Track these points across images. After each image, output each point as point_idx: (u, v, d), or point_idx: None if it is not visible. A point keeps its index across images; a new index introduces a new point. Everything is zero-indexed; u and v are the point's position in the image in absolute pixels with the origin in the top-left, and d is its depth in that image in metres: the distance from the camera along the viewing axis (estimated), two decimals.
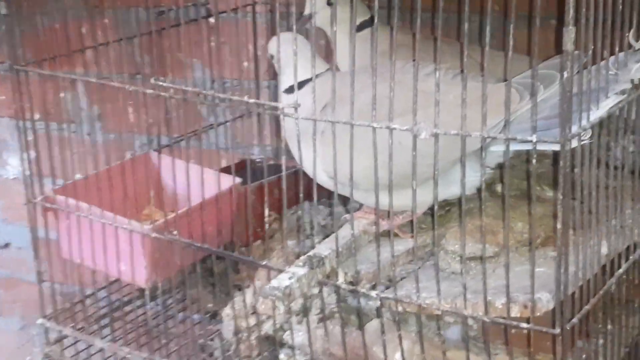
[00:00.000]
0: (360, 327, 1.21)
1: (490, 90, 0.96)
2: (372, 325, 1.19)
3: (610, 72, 1.02)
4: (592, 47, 0.97)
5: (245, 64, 1.75)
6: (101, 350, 1.41)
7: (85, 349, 1.49)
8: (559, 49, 0.91)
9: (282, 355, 1.27)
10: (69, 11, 1.53)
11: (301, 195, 1.13)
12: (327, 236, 1.43)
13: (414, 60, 1.10)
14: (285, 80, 1.23)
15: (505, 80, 1.06)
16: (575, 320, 0.99)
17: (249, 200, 1.40)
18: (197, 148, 1.53)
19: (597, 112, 0.99)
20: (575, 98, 0.94)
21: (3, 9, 1.56)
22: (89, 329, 1.43)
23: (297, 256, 1.37)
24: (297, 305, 1.21)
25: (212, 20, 1.69)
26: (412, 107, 0.99)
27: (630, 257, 1.13)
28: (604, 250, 1.08)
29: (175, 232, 1.26)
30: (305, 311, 1.19)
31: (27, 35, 1.38)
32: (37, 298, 1.43)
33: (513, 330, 1.04)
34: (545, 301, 1.00)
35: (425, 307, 1.05)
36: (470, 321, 1.29)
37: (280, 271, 1.08)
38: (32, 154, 1.40)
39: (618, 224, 1.10)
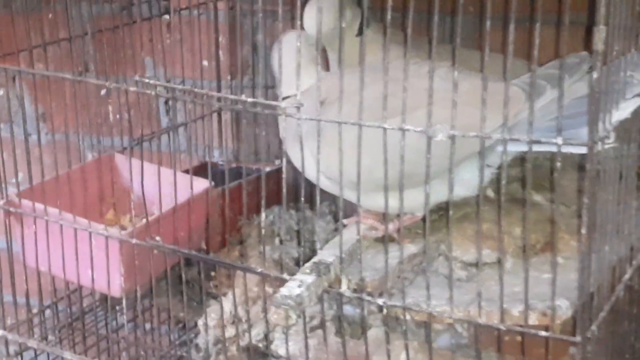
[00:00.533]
0: (353, 335, 1.17)
1: (494, 91, 0.93)
2: (372, 334, 1.14)
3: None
4: (617, 47, 0.95)
5: (205, 62, 1.69)
6: None
7: None
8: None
9: None
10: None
11: (284, 197, 1.08)
12: (304, 242, 1.40)
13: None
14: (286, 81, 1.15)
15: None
16: (594, 327, 0.96)
17: (222, 204, 1.35)
18: (151, 150, 1.47)
19: (618, 114, 0.97)
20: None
21: None
22: (53, 340, 1.35)
23: (275, 262, 1.33)
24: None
25: (167, 17, 1.63)
26: (427, 108, 0.95)
27: (634, 262, 1.11)
28: (614, 256, 1.06)
29: (158, 238, 1.19)
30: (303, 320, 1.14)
31: None
32: None
33: (513, 338, 1.02)
34: (565, 308, 0.98)
35: (436, 315, 1.01)
36: (459, 328, 1.26)
37: (284, 279, 1.03)
38: None
39: (625, 229, 1.09)
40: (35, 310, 1.38)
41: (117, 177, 1.44)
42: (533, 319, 0.98)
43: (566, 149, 0.91)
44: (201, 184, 1.32)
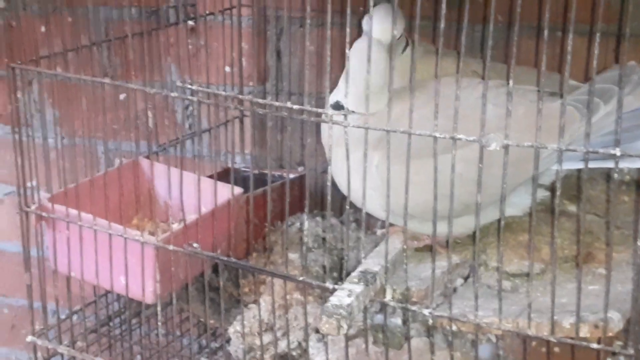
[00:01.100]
0: (385, 345, 1.16)
1: (548, 113, 0.93)
2: (413, 344, 1.13)
3: None
4: None
5: (227, 68, 1.68)
6: None
7: None
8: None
9: None
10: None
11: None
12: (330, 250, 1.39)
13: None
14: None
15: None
16: None
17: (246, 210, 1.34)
18: (176, 156, 1.47)
19: None
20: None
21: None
22: (82, 346, 1.33)
23: (303, 270, 1.32)
24: None
25: (191, 22, 1.62)
26: (480, 118, 0.94)
27: None
28: None
29: (195, 245, 1.18)
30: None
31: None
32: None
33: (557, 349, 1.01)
34: (617, 320, 0.97)
35: (484, 326, 1.01)
36: (493, 339, 1.25)
37: (331, 290, 1.02)
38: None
39: None
40: (63, 316, 1.36)
41: (142, 182, 1.43)
42: (584, 331, 0.98)
43: (623, 164, 0.91)
44: (234, 190, 1.31)
